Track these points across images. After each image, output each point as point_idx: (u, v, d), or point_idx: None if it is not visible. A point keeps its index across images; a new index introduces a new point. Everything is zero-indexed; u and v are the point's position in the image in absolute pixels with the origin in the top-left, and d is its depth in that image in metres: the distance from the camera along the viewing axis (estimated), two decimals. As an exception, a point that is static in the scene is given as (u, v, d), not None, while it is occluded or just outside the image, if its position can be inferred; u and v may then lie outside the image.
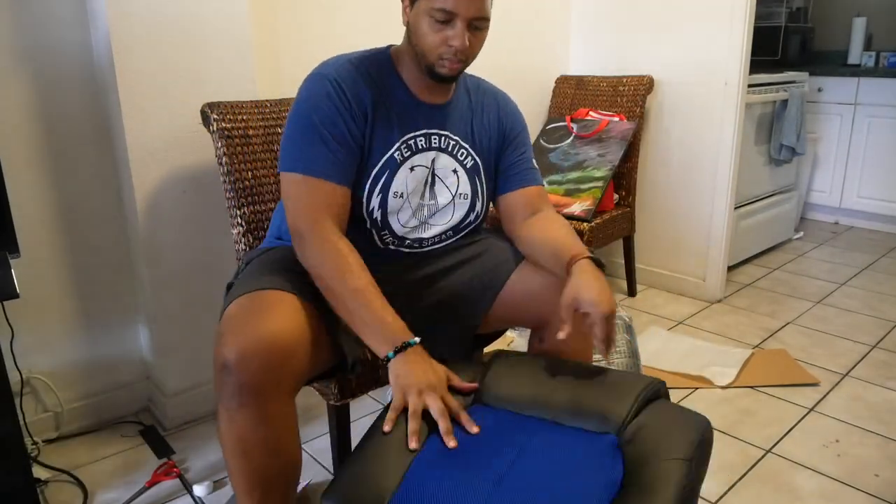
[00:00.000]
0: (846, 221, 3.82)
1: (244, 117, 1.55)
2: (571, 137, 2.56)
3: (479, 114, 1.35)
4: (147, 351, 1.89)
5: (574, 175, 2.43)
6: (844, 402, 1.93)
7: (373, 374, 1.34)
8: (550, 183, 2.46)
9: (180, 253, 1.76)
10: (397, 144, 1.25)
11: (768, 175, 3.21)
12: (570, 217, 2.31)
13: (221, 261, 1.82)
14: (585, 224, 2.27)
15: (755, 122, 2.99)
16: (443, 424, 1.00)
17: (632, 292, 2.75)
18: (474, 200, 1.34)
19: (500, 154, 1.37)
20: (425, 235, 1.32)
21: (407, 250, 1.32)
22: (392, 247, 1.31)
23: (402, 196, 1.26)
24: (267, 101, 1.63)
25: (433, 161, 1.29)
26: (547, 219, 1.34)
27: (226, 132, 1.51)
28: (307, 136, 1.19)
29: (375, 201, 1.25)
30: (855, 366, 2.14)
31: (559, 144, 2.57)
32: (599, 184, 2.36)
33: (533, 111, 2.83)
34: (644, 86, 2.56)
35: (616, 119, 2.53)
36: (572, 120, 2.61)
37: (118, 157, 1.73)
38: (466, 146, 1.33)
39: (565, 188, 2.41)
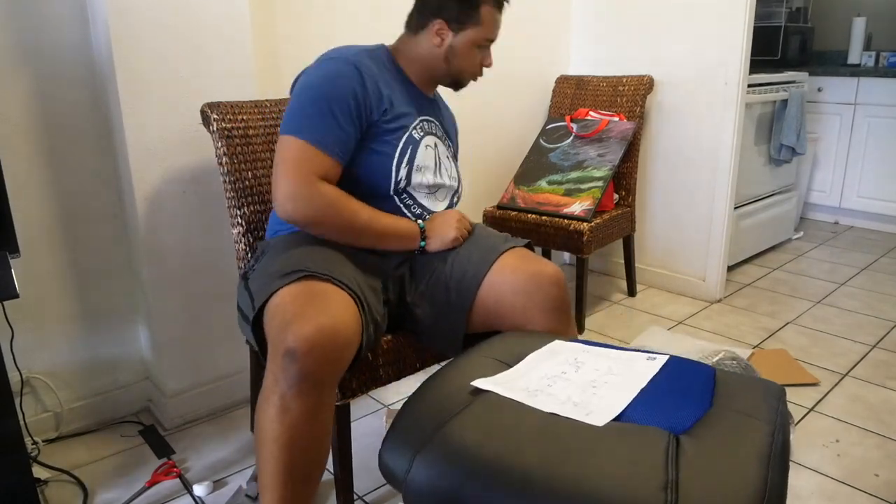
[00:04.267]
0: (846, 221, 3.82)
1: (244, 117, 1.55)
2: (571, 137, 2.56)
3: (448, 111, 1.58)
4: (147, 351, 1.89)
5: (574, 175, 2.43)
6: (844, 402, 1.93)
7: (372, 373, 1.34)
8: (550, 183, 2.46)
9: (180, 253, 1.76)
10: (416, 122, 1.38)
11: (768, 175, 3.21)
12: (570, 217, 2.31)
13: (221, 261, 1.82)
14: (585, 224, 2.27)
15: (755, 122, 2.99)
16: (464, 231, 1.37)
17: (632, 292, 2.75)
18: (459, 184, 1.51)
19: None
20: (435, 209, 1.45)
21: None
22: (410, 215, 1.41)
23: (422, 170, 1.38)
24: (267, 101, 1.63)
25: (436, 144, 1.43)
26: None
27: (226, 132, 1.51)
28: (317, 107, 1.23)
29: (403, 172, 1.35)
30: (855, 366, 2.14)
31: (559, 144, 2.57)
32: (599, 184, 2.35)
33: (533, 111, 2.84)
34: (644, 86, 2.56)
35: (616, 119, 2.53)
36: (572, 120, 2.61)
37: (118, 156, 1.73)
38: (449, 136, 1.53)
39: (565, 188, 2.41)
